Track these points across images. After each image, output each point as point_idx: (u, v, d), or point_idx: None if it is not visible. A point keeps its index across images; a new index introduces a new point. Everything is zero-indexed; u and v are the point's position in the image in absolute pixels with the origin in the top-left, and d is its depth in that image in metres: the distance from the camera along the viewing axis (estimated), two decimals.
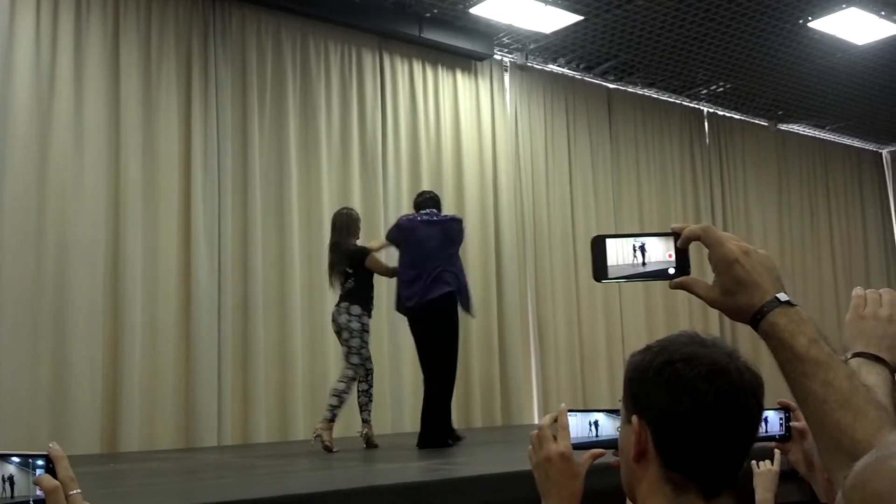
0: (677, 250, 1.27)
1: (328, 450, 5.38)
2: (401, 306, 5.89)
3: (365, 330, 5.72)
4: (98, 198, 6.70)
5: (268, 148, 7.63)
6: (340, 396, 5.68)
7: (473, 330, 8.47)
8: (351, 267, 5.79)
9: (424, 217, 5.90)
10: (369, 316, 5.80)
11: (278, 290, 7.46)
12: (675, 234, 1.27)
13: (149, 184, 6.96)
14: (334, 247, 5.96)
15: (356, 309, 5.71)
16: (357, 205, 7.98)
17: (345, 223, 6.00)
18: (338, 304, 5.81)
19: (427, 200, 6.07)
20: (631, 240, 1.30)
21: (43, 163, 6.52)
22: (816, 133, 12.40)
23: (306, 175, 7.81)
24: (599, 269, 1.30)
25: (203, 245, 7.11)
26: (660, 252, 1.29)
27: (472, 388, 8.27)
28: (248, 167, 7.47)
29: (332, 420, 5.58)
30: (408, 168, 8.47)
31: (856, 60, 9.61)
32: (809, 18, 8.60)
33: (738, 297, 1.19)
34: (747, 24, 8.69)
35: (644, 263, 1.28)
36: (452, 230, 5.91)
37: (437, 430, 5.58)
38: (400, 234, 5.91)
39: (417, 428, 5.76)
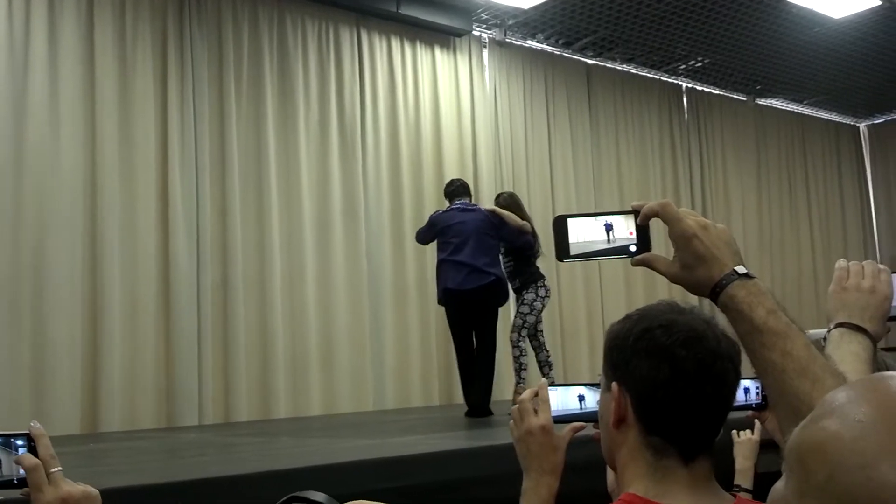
0: (638, 227, 1.29)
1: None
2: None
3: None
4: (75, 177, 6.63)
5: (245, 126, 7.57)
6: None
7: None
8: None
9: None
10: None
11: (258, 268, 7.43)
12: (636, 212, 1.28)
13: (126, 163, 6.90)
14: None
15: None
16: (336, 183, 7.97)
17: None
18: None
19: (459, 188, 6.42)
20: (592, 219, 1.31)
21: (19, 143, 6.45)
22: (795, 108, 12.45)
23: (284, 153, 7.77)
24: (562, 248, 1.31)
25: (182, 224, 7.06)
26: (622, 230, 1.30)
27: (451, 365, 8.28)
28: (226, 146, 7.41)
29: None
30: (387, 146, 8.44)
31: (833, 34, 9.64)
32: None
33: (697, 271, 1.20)
34: None
35: (607, 241, 1.29)
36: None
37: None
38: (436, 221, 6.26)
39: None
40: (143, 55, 7.10)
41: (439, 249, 6.11)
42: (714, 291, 1.18)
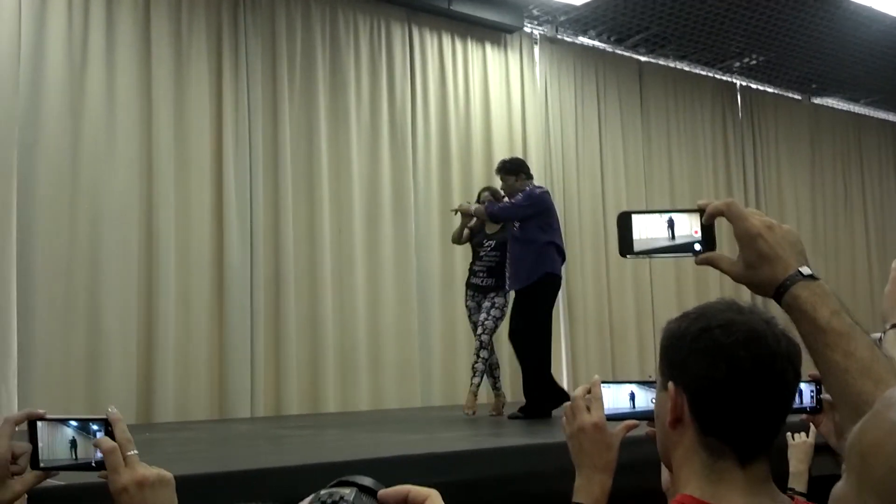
0: (703, 226, 1.28)
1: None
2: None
3: None
4: (131, 170, 6.75)
5: (298, 121, 7.65)
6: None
7: None
8: None
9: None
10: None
11: (309, 262, 7.51)
12: (701, 211, 1.27)
13: (180, 156, 7.01)
14: None
15: None
16: (386, 178, 8.02)
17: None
18: None
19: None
20: (657, 216, 1.30)
21: (76, 136, 6.58)
22: (850, 107, 12.22)
23: (335, 148, 7.83)
24: (625, 244, 1.30)
25: (235, 218, 7.16)
26: (686, 228, 1.29)
27: (501, 361, 8.26)
28: (279, 140, 7.49)
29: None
30: (437, 142, 8.47)
31: (891, 32, 9.44)
32: None
33: (761, 270, 1.20)
34: None
35: (671, 239, 1.29)
36: None
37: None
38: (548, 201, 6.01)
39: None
40: (197, 50, 7.20)
41: (541, 230, 5.81)
42: (778, 291, 1.18)
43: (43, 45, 6.53)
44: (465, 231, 6.22)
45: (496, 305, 5.97)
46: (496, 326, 5.99)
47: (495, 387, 6.24)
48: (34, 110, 6.44)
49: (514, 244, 5.85)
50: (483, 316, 5.95)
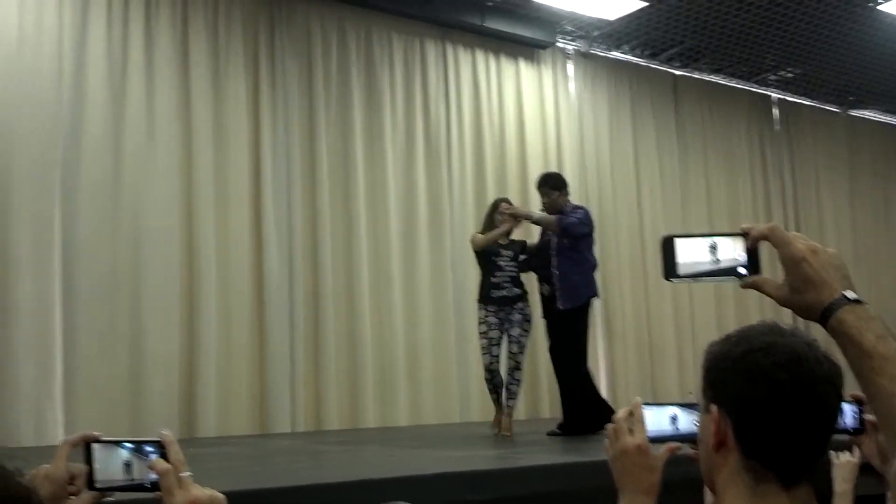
0: (748, 250, 1.29)
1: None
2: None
3: (480, 321, 5.87)
4: (171, 188, 6.85)
5: (334, 138, 7.73)
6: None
7: (539, 319, 8.46)
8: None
9: None
10: (480, 304, 5.92)
11: (346, 279, 7.57)
12: (745, 234, 1.28)
13: (220, 174, 7.11)
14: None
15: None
16: (422, 194, 8.07)
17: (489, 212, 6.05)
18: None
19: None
20: (700, 239, 1.32)
21: (117, 154, 6.69)
22: (889, 119, 12.08)
23: (371, 165, 7.90)
24: (670, 268, 1.32)
25: (273, 235, 7.24)
26: (729, 252, 1.30)
27: (539, 377, 8.27)
28: (316, 157, 7.58)
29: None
30: (472, 158, 8.51)
31: None
32: (879, 1, 8.40)
33: (806, 295, 1.21)
34: (816, 8, 8.51)
35: (715, 263, 1.30)
36: None
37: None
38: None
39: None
40: (235, 68, 7.31)
41: (590, 250, 5.84)
42: (823, 315, 1.19)
43: (84, 64, 6.66)
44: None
45: (527, 318, 5.81)
46: (527, 344, 5.88)
47: (500, 402, 5.84)
48: (76, 130, 6.57)
49: (565, 261, 5.71)
50: (518, 332, 5.74)
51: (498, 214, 5.89)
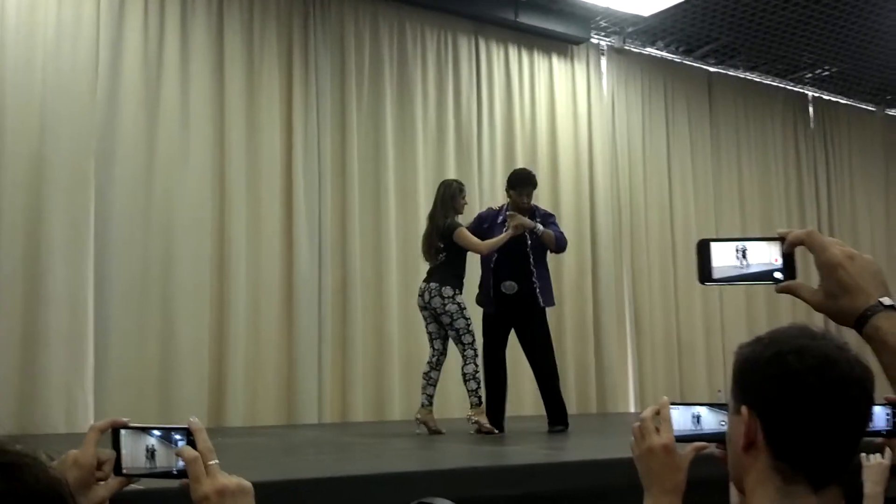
0: (784, 255, 1.28)
1: (438, 432, 5.50)
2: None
3: (464, 308, 5.65)
4: (204, 181, 6.91)
5: (365, 133, 7.75)
6: (434, 380, 5.79)
7: (568, 316, 8.46)
8: (442, 241, 5.70)
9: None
10: (461, 294, 5.70)
11: (375, 272, 7.60)
12: (780, 239, 1.28)
13: (252, 168, 7.16)
14: (429, 218, 5.86)
15: (447, 290, 5.58)
16: None
17: (441, 195, 5.85)
18: (427, 282, 5.70)
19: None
20: (735, 243, 1.31)
21: (151, 146, 6.76)
22: None
23: (402, 160, 7.91)
24: (705, 272, 1.32)
25: (304, 227, 7.28)
26: (765, 256, 1.30)
27: (567, 375, 8.25)
28: (347, 152, 7.61)
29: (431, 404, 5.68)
30: (503, 153, 8.49)
31: None
32: None
33: (841, 300, 1.21)
34: (854, 6, 8.41)
35: (750, 267, 1.30)
36: None
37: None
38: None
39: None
40: (269, 64, 7.35)
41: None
42: (859, 322, 1.19)
43: (120, 59, 6.73)
44: None
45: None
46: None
47: (431, 402, 5.80)
48: (111, 122, 6.64)
49: (541, 264, 5.83)
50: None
51: (508, 219, 5.69)
